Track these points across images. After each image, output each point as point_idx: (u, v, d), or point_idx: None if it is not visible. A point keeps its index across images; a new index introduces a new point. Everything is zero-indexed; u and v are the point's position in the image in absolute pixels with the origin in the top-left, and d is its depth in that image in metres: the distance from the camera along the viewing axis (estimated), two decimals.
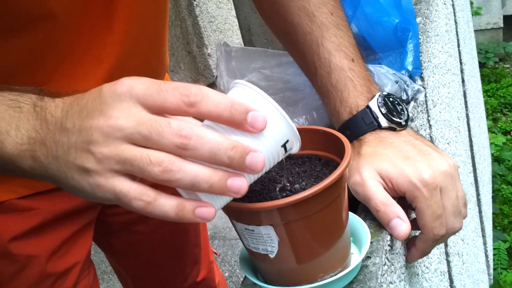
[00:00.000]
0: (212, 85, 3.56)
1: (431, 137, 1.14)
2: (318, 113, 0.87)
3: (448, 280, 1.15)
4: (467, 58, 2.22)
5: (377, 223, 0.73)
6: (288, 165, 0.71)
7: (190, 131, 0.45)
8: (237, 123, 0.47)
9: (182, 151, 0.46)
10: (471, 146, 2.10)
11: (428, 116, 1.15)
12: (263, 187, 0.66)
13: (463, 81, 2.02)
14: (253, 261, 0.69)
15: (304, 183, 0.65)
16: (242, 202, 0.64)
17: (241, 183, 0.48)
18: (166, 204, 0.48)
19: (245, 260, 0.71)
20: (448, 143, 1.42)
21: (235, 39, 3.12)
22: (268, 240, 0.62)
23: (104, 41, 0.76)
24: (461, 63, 2.01)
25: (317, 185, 0.58)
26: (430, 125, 1.15)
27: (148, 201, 0.47)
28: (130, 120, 0.46)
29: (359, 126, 0.80)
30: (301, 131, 0.70)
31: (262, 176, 0.69)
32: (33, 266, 0.92)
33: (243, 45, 2.61)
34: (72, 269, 0.99)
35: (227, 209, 0.62)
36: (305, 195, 0.58)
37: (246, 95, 0.51)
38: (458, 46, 1.98)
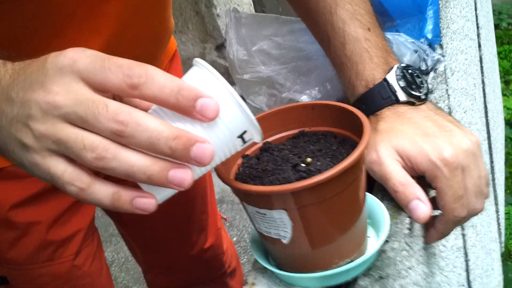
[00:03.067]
0: (221, 46, 3.49)
1: (449, 107, 1.09)
2: (332, 85, 0.83)
3: (464, 255, 1.12)
4: (483, 21, 2.15)
5: (395, 204, 0.70)
6: (302, 143, 0.67)
7: (128, 117, 0.42)
8: (184, 110, 0.44)
9: (118, 138, 0.43)
10: (486, 112, 2.04)
11: (447, 86, 1.10)
12: (275, 167, 0.63)
13: (479, 46, 1.95)
14: (264, 244, 0.66)
15: (319, 163, 0.61)
16: (253, 183, 0.61)
17: (184, 176, 0.44)
18: (101, 192, 0.45)
19: (256, 243, 0.68)
20: (464, 112, 1.37)
21: (245, 0, 3.05)
22: (280, 225, 0.58)
23: (103, 10, 0.73)
24: (477, 27, 1.94)
25: (334, 167, 0.54)
26: (448, 95, 1.10)
27: (81, 187, 0.44)
28: (68, 97, 0.43)
29: (375, 100, 0.76)
30: (315, 106, 0.66)
31: (274, 154, 0.65)
32: (33, 234, 0.91)
33: (252, 6, 2.54)
34: (74, 237, 0.97)
35: (236, 190, 0.59)
36: (321, 178, 0.54)
37: (202, 78, 0.47)
38: (475, 10, 1.91)
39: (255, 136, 0.49)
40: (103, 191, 0.45)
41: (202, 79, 0.46)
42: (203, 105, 0.43)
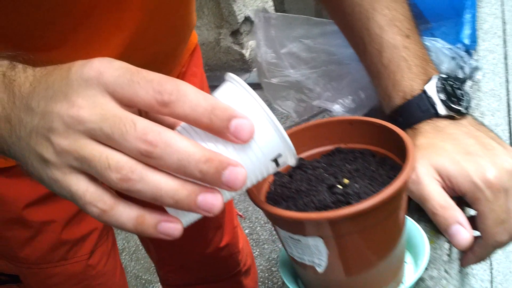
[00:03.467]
0: (236, 32, 3.44)
1: (481, 113, 1.04)
2: (366, 93, 0.79)
3: (488, 263, 1.08)
4: (508, 16, 2.09)
5: (433, 226, 0.66)
6: (338, 161, 0.63)
7: (157, 137, 0.39)
8: (217, 131, 0.41)
9: (146, 159, 0.40)
10: (509, 111, 1.99)
11: (479, 89, 1.05)
12: (310, 187, 0.59)
13: (504, 42, 1.89)
14: (295, 268, 0.62)
15: (357, 185, 0.57)
16: (286, 206, 0.57)
17: (213, 201, 0.41)
18: (124, 215, 0.42)
19: (285, 265, 0.64)
20: (492, 115, 1.33)
21: None
22: (315, 252, 0.55)
23: (124, 6, 0.69)
24: (504, 23, 1.88)
25: (378, 195, 0.50)
26: (479, 99, 1.06)
27: (104, 209, 0.42)
28: (93, 112, 0.40)
29: (413, 113, 0.72)
30: (353, 122, 0.62)
31: (307, 172, 0.61)
32: (48, 233, 0.89)
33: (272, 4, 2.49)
34: (89, 236, 0.95)
35: (268, 214, 0.55)
36: (363, 207, 0.50)
37: (236, 96, 0.43)
38: (502, 5, 1.85)
39: (290, 159, 0.46)
40: (127, 214, 0.42)
41: (236, 97, 0.43)
42: (238, 126, 0.41)
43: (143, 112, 0.46)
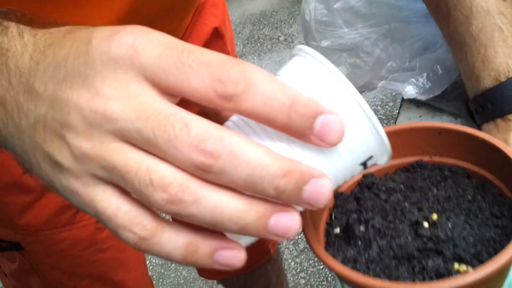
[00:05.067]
0: None
1: None
2: (443, 67, 0.62)
3: None
4: None
5: None
6: (420, 180, 0.48)
7: (219, 145, 0.29)
8: (297, 132, 0.31)
9: (203, 174, 0.30)
10: None
11: None
12: (386, 223, 0.45)
13: None
14: None
15: (450, 224, 0.43)
16: (353, 251, 0.44)
17: (290, 223, 0.31)
18: (170, 243, 0.32)
19: None
20: None
21: None
22: None
23: None
24: None
25: (495, 260, 0.37)
26: None
27: (143, 237, 0.32)
28: (127, 106, 0.30)
29: (508, 99, 0.58)
30: (444, 131, 0.47)
31: (381, 197, 0.47)
32: (51, 197, 0.79)
33: None
34: None
35: (337, 274, 0.42)
36: (470, 280, 0.36)
37: (314, 79, 0.33)
38: None
39: (381, 160, 0.36)
40: (173, 241, 0.32)
41: (315, 81, 0.33)
42: (325, 125, 0.31)
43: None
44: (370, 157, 0.35)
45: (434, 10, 0.63)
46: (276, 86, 0.30)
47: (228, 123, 0.35)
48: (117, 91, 0.30)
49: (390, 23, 0.66)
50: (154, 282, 1.87)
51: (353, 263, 0.43)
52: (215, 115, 0.33)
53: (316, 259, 1.81)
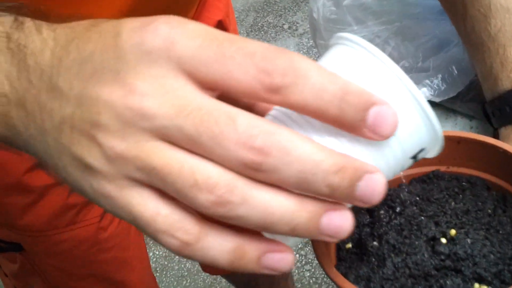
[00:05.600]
0: None
1: None
2: (459, 67, 0.59)
3: None
4: None
5: None
6: (437, 193, 0.45)
7: (269, 141, 0.27)
8: (348, 124, 0.29)
9: (252, 173, 0.28)
10: None
11: None
12: (401, 238, 0.42)
13: None
14: None
15: (469, 240, 0.41)
16: (366, 268, 0.41)
17: (342, 223, 0.29)
18: (215, 248, 0.30)
19: None
20: None
21: None
22: None
23: None
24: None
25: None
26: None
27: (186, 241, 0.30)
28: (165, 102, 0.28)
29: None
30: (463, 140, 0.45)
31: (395, 209, 0.45)
32: (52, 197, 0.77)
33: None
34: None
35: None
36: None
37: (360, 65, 0.31)
38: None
39: (431, 152, 0.35)
40: (219, 246, 0.30)
41: (363, 71, 0.31)
42: (378, 117, 0.28)
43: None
44: (422, 150, 0.33)
45: (450, 8, 0.60)
46: (326, 77, 0.28)
47: (267, 117, 0.33)
48: (152, 87, 0.28)
49: (402, 21, 0.63)
50: (157, 274, 1.86)
51: (367, 282, 0.41)
52: (248, 110, 0.31)
53: None
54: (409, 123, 0.31)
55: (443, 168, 0.47)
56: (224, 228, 0.31)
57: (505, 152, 0.43)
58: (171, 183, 0.29)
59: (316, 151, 0.28)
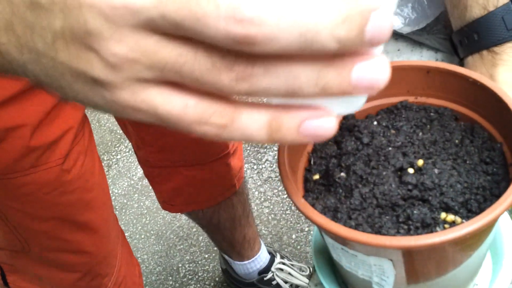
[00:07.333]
0: None
1: None
2: None
3: None
4: None
5: None
6: (405, 123, 0.45)
7: (255, 10, 0.25)
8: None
9: (249, 47, 0.26)
10: None
11: None
12: (369, 169, 0.42)
13: None
14: (338, 269, 0.46)
15: (436, 171, 0.41)
16: (334, 199, 0.41)
17: (375, 72, 0.26)
18: (252, 124, 0.29)
19: (320, 252, 0.49)
20: None
21: None
22: (376, 271, 0.39)
23: None
24: None
25: (477, 219, 0.34)
26: None
27: (222, 124, 0.29)
28: None
29: (495, 30, 0.55)
30: (431, 70, 0.44)
31: (362, 140, 0.44)
32: (14, 140, 0.75)
33: None
34: (63, 137, 0.81)
35: (316, 224, 0.39)
36: (452, 236, 0.34)
37: None
38: None
39: None
40: (254, 121, 0.29)
41: None
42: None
43: None
44: None
45: None
46: None
47: None
48: None
49: None
50: (117, 212, 1.84)
51: (334, 212, 0.41)
52: None
53: (280, 189, 1.81)
54: None
55: (411, 99, 0.46)
56: (256, 103, 0.30)
57: (474, 81, 0.42)
58: (188, 73, 0.27)
59: (314, 7, 0.25)
